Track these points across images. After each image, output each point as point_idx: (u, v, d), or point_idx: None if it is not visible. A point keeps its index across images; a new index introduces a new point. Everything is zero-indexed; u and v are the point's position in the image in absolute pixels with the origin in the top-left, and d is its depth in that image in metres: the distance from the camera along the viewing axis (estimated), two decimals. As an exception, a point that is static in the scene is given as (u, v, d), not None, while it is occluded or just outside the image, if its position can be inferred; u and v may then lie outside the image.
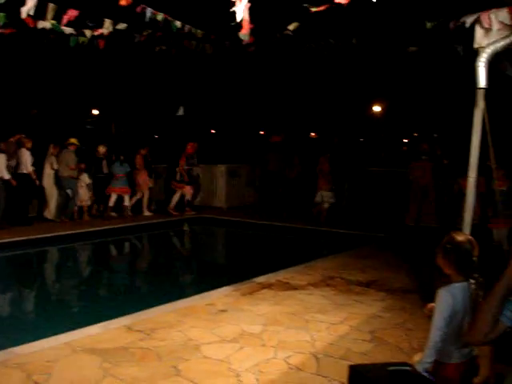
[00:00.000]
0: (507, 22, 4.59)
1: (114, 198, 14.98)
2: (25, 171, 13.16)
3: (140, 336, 6.01)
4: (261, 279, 8.57)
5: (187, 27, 7.98)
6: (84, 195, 14.46)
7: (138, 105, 25.30)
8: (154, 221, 14.82)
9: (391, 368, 3.55)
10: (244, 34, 5.20)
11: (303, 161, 16.16)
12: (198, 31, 8.46)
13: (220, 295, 7.70)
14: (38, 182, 13.59)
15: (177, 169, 15.84)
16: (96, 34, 8.20)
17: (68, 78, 22.15)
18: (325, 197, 14.60)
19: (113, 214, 14.93)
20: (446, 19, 5.43)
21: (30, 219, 13.51)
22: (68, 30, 7.83)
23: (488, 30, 4.71)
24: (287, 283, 8.39)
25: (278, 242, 13.75)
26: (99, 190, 14.90)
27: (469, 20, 4.80)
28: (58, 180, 14.07)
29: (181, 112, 18.28)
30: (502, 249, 9.34)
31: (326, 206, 14.67)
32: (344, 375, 3.99)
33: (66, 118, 23.95)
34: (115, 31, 8.11)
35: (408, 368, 3.48)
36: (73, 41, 8.42)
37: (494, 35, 4.64)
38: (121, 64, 19.82)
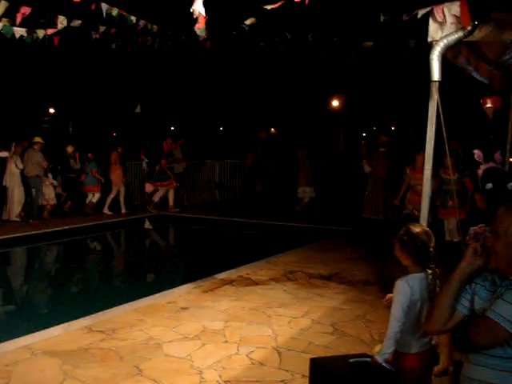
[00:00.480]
0: (459, 15, 4.65)
1: (89, 195, 15.07)
2: None
3: (101, 336, 5.94)
4: (222, 275, 8.55)
5: (142, 22, 7.88)
6: (49, 194, 14.25)
7: (96, 102, 24.99)
8: (114, 219, 14.64)
9: (352, 360, 3.57)
10: (199, 28, 5.15)
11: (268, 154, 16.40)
12: (154, 26, 8.37)
13: (181, 293, 7.66)
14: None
15: (156, 167, 15.70)
16: (50, 31, 8.05)
17: (23, 76, 21.75)
18: (306, 192, 14.66)
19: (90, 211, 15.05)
20: (399, 12, 5.48)
21: None
22: (19, 31, 7.64)
23: (442, 24, 4.76)
24: (249, 279, 8.39)
25: (240, 238, 13.75)
26: (70, 188, 14.86)
27: (421, 13, 4.85)
28: (24, 179, 13.69)
29: (138, 109, 18.07)
30: (454, 242, 9.23)
31: (305, 200, 14.73)
32: (306, 368, 4.00)
33: (22, 117, 23.51)
34: (70, 28, 7.97)
35: (368, 359, 3.51)
36: (28, 38, 8.25)
37: (448, 29, 4.69)
38: (77, 61, 19.54)
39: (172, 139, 16.36)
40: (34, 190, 13.76)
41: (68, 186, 14.83)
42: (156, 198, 15.85)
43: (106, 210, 15.25)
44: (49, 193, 14.23)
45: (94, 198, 15.17)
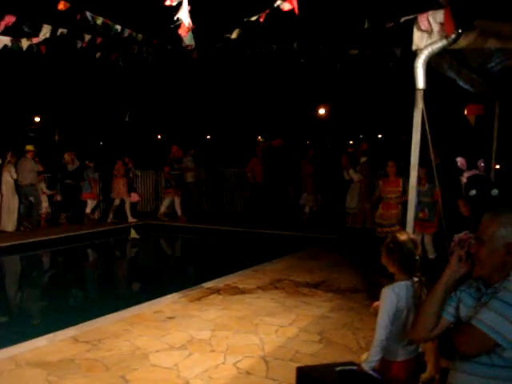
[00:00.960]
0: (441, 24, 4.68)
1: (89, 203, 15.25)
2: None
3: (86, 347, 5.89)
4: (209, 284, 8.52)
5: (127, 31, 7.86)
6: (43, 203, 14.48)
7: (82, 111, 24.91)
8: (101, 229, 14.54)
9: (338, 368, 3.56)
10: (185, 36, 5.15)
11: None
12: (139, 35, 8.35)
13: (168, 302, 7.62)
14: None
15: (162, 174, 15.59)
16: (35, 40, 8.01)
17: (7, 85, 21.63)
18: (307, 200, 14.59)
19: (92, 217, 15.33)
20: (383, 20, 5.51)
21: None
22: (4, 40, 7.60)
23: (426, 32, 4.79)
24: (236, 287, 8.36)
25: (226, 247, 13.72)
26: (68, 196, 15.01)
27: (404, 19, 4.88)
28: (18, 188, 13.73)
29: (127, 118, 18.09)
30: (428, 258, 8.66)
31: (306, 209, 14.59)
32: (293, 377, 3.99)
33: (7, 126, 23.38)
34: (55, 37, 7.93)
35: (355, 367, 3.50)
36: (14, 46, 8.22)
37: (434, 37, 4.72)
38: (62, 70, 19.48)
39: (179, 147, 16.10)
40: (32, 198, 13.89)
41: (67, 193, 15.00)
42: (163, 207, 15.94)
43: (130, 219, 15.37)
44: (42, 201, 14.40)
45: (90, 204, 15.34)
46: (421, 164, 7.93)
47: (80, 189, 15.04)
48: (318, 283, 8.66)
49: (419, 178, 8.03)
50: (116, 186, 15.33)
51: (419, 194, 8.26)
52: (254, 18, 5.79)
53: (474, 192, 3.74)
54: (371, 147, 13.84)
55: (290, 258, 10.69)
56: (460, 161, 3.65)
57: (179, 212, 15.80)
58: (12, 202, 13.64)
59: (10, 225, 13.61)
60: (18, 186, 13.72)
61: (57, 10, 6.85)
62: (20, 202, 13.81)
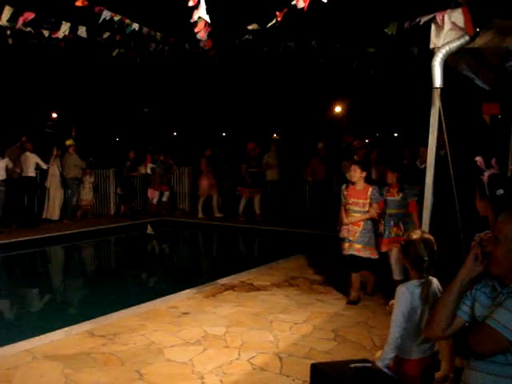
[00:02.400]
0: (459, 22, 4.68)
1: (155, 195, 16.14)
2: (29, 174, 13.76)
3: (102, 341, 5.94)
4: (224, 281, 8.56)
5: (146, 29, 7.91)
6: (86, 195, 15.34)
7: (99, 107, 25.04)
8: (120, 224, 14.88)
9: (352, 365, 3.57)
10: (202, 36, 5.19)
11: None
12: (158, 34, 8.40)
13: (183, 298, 7.66)
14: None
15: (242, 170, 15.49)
16: (53, 36, 8.08)
17: (26, 82, 21.81)
18: None
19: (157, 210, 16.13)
20: (402, 20, 5.50)
21: (36, 221, 14.12)
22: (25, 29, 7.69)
23: (442, 31, 4.79)
24: (250, 284, 8.39)
25: (242, 244, 13.76)
26: (129, 189, 16.04)
27: (424, 20, 4.88)
28: (63, 181, 14.75)
29: (145, 114, 18.33)
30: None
31: None
32: (307, 374, 4.00)
33: (25, 122, 23.56)
34: (74, 34, 8.00)
35: (369, 365, 3.51)
36: (34, 40, 8.31)
37: (448, 36, 4.72)
38: (80, 66, 19.59)
39: (256, 144, 15.82)
40: (69, 192, 14.95)
41: (127, 186, 15.94)
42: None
43: (216, 213, 15.76)
44: (86, 194, 15.38)
45: (163, 196, 16.22)
46: (393, 168, 7.44)
47: (145, 182, 16.21)
48: (332, 281, 8.66)
49: (389, 185, 7.38)
50: (202, 183, 15.60)
51: (390, 204, 7.30)
52: (272, 23, 5.82)
53: (501, 191, 3.71)
54: (370, 145, 13.22)
55: (304, 256, 10.68)
56: (479, 160, 3.62)
57: (257, 211, 15.38)
58: (57, 194, 14.62)
59: (54, 214, 14.61)
60: (63, 179, 14.74)
61: (75, 8, 6.91)
62: (65, 194, 14.87)
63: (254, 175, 15.32)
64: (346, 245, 7.50)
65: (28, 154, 13.71)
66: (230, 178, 17.25)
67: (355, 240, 7.40)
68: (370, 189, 7.38)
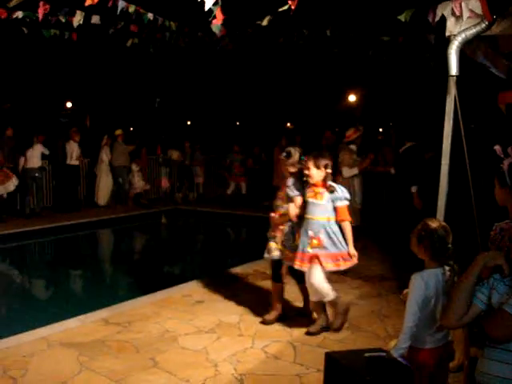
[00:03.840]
0: (477, 10, 4.63)
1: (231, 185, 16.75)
2: (73, 162, 14.42)
3: (117, 329, 5.99)
4: (238, 269, 8.58)
5: (160, 19, 7.90)
6: (136, 183, 15.83)
7: (113, 97, 25.09)
8: (136, 212, 15.08)
9: (367, 354, 3.57)
10: (216, 25, 5.17)
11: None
12: (172, 23, 8.38)
13: (197, 286, 7.69)
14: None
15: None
16: (69, 24, 8.08)
17: (41, 71, 21.87)
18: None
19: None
20: (418, 7, 5.45)
21: (79, 205, 14.89)
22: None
23: (459, 18, 4.74)
24: (264, 273, 8.38)
25: (256, 233, 13.75)
26: (183, 177, 17.02)
27: (441, 8, 4.83)
28: (112, 169, 15.43)
29: (157, 104, 18.41)
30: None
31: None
32: (321, 363, 4.01)
33: (40, 112, 23.67)
34: (88, 23, 7.99)
35: (384, 354, 3.51)
36: (46, 33, 8.32)
37: (465, 23, 4.68)
38: (95, 56, 19.63)
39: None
40: (120, 179, 15.50)
41: (181, 175, 16.95)
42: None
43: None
44: (136, 181, 15.84)
45: (242, 189, 16.63)
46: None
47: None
48: (347, 270, 8.61)
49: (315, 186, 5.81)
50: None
51: (315, 209, 5.80)
52: (284, 8, 5.78)
53: None
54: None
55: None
56: (498, 149, 3.58)
57: None
58: (106, 181, 15.41)
59: (103, 200, 15.42)
60: (112, 167, 15.42)
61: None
62: (114, 182, 15.53)
63: None
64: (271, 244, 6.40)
65: (72, 142, 14.32)
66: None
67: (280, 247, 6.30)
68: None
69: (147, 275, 9.61)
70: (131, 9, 7.46)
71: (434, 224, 3.45)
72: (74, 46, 10.55)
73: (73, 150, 14.32)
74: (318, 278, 5.77)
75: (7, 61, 19.69)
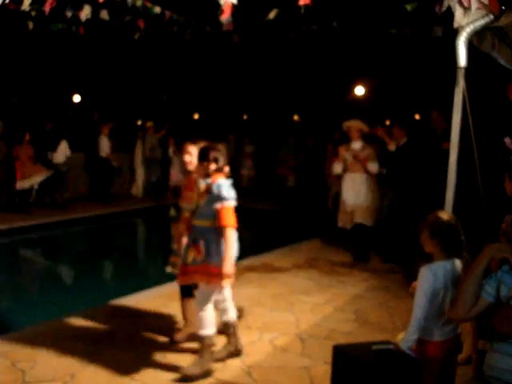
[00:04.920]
0: (485, 0, 4.60)
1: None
2: (103, 155, 14.69)
3: (126, 321, 6.00)
4: (245, 262, 8.56)
5: (168, 13, 7.89)
6: (174, 175, 15.60)
7: (121, 91, 25.09)
8: (146, 205, 15.16)
9: (375, 347, 3.56)
10: (225, 18, 5.15)
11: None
12: (180, 17, 8.37)
13: (205, 279, 7.68)
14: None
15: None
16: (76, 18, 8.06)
17: (48, 65, 21.89)
18: None
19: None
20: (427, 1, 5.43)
21: (111, 197, 14.96)
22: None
23: (467, 9, 4.71)
24: (271, 265, 8.41)
25: (263, 226, 13.76)
26: None
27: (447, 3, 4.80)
28: (145, 161, 15.96)
29: (164, 98, 18.41)
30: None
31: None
32: (328, 355, 4.00)
33: (48, 106, 23.68)
34: (96, 17, 7.98)
35: (392, 347, 3.51)
36: (53, 27, 8.32)
37: (473, 14, 4.64)
38: (102, 50, 19.64)
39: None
40: (147, 170, 15.99)
41: None
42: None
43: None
44: (174, 174, 15.65)
45: (289, 181, 16.25)
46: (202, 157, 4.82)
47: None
48: (354, 263, 8.64)
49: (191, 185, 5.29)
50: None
51: (198, 212, 4.97)
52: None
53: None
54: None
55: (326, 238, 10.66)
56: (508, 141, 3.56)
57: None
58: (140, 172, 16.07)
59: (138, 192, 16.06)
60: (145, 159, 15.93)
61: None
62: (145, 174, 16.01)
63: None
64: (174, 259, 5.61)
65: (102, 136, 14.61)
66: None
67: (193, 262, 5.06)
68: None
69: (156, 267, 9.60)
70: (138, 2, 7.45)
71: (445, 216, 3.44)
72: (82, 39, 10.53)
73: (103, 144, 14.70)
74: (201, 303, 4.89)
75: (14, 55, 19.72)
